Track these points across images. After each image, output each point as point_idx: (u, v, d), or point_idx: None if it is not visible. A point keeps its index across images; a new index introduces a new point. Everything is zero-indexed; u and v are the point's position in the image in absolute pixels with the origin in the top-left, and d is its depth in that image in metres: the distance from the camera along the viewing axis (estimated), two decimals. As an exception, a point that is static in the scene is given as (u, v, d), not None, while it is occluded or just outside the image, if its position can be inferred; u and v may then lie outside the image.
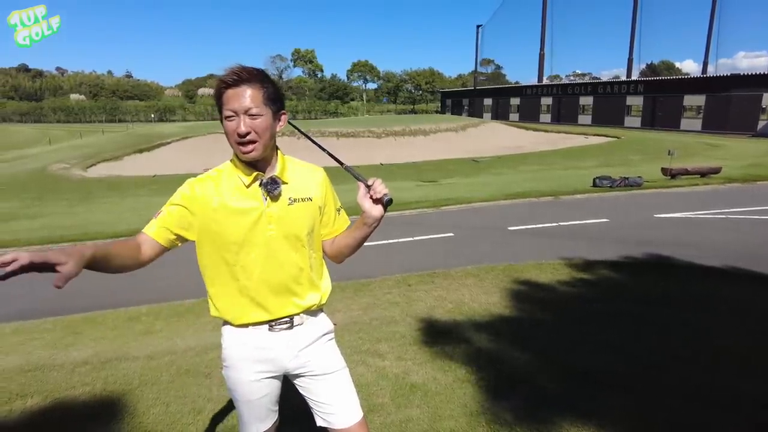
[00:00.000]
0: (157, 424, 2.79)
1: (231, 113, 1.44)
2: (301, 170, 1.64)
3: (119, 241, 1.48)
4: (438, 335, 4.02)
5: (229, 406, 2.93)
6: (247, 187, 1.53)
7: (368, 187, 1.54)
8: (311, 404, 1.68)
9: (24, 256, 1.12)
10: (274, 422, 1.73)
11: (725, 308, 4.66)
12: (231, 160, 1.58)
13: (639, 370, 3.29)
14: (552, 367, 3.34)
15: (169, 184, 20.74)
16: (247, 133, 1.45)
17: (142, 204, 15.32)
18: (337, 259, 1.74)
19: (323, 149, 1.73)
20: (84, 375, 3.52)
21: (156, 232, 1.52)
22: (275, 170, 1.56)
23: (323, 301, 1.70)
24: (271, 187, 1.52)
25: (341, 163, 1.69)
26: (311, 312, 1.67)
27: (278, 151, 1.59)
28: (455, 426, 2.68)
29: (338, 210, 1.73)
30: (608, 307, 4.69)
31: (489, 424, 2.68)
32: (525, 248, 7.83)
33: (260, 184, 1.53)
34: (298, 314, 1.63)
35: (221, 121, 1.51)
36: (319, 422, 1.67)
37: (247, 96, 1.44)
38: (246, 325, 1.60)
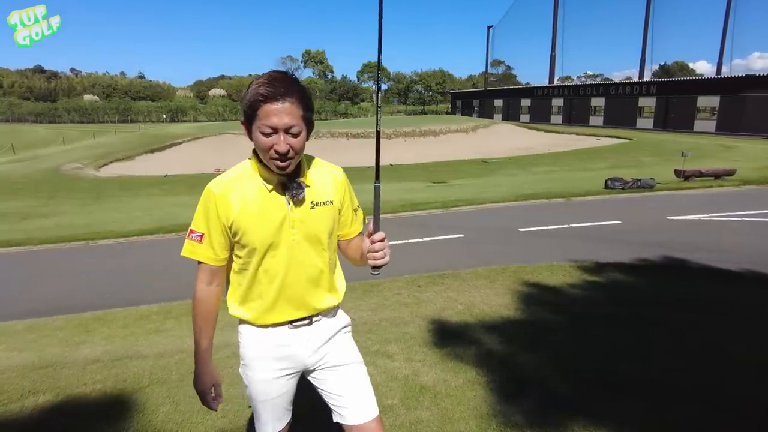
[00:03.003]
0: (166, 423, 2.80)
1: (270, 130, 1.39)
2: (321, 171, 1.61)
3: (207, 305, 1.61)
4: (448, 337, 3.99)
5: (238, 406, 2.93)
6: (270, 191, 1.50)
7: (370, 235, 1.50)
8: (326, 398, 1.68)
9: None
10: (288, 421, 1.73)
11: (740, 312, 4.58)
12: (251, 161, 1.54)
13: (651, 373, 3.24)
14: (563, 370, 3.30)
15: (180, 183, 20.95)
16: (287, 152, 1.41)
17: (154, 203, 15.44)
18: (347, 259, 1.74)
19: (378, 150, 1.54)
20: (95, 373, 3.55)
21: (215, 257, 1.55)
22: (298, 174, 1.53)
23: (340, 301, 1.70)
24: (296, 192, 1.50)
25: (377, 178, 1.52)
26: (329, 311, 1.68)
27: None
28: (465, 428, 2.66)
29: (355, 210, 1.70)
30: (620, 309, 4.64)
31: (500, 427, 2.65)
32: (536, 250, 7.76)
33: (284, 189, 1.51)
34: (316, 315, 1.63)
35: (248, 130, 1.45)
36: (335, 417, 1.66)
37: (288, 113, 1.39)
38: (266, 326, 1.60)
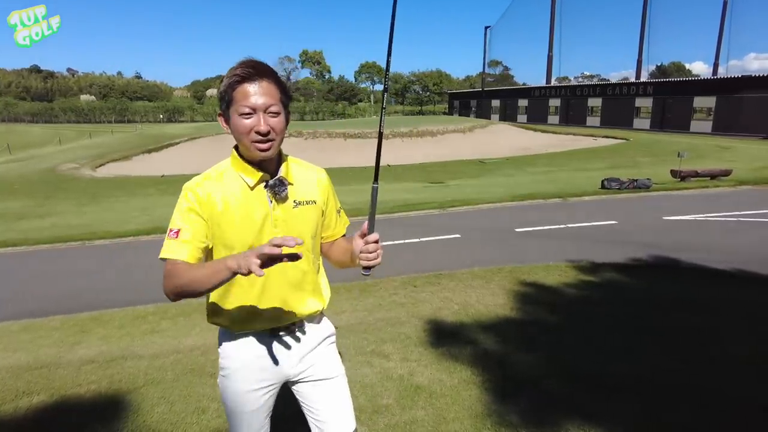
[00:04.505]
0: (161, 423, 2.80)
1: (249, 110, 1.37)
2: (303, 171, 1.57)
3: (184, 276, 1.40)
4: (443, 337, 4.00)
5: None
6: (252, 188, 1.45)
7: (364, 235, 1.43)
8: (305, 410, 1.64)
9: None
10: None
11: (736, 313, 4.60)
12: (231, 159, 1.50)
13: (647, 374, 3.25)
14: (559, 370, 3.31)
15: (178, 184, 20.68)
16: (268, 132, 1.38)
17: (151, 203, 15.40)
18: (330, 262, 1.70)
19: (379, 151, 1.46)
20: (90, 373, 3.54)
21: (191, 254, 1.42)
22: (280, 171, 1.49)
23: (325, 307, 1.66)
24: (279, 189, 1.45)
25: (376, 179, 1.46)
26: (313, 318, 1.64)
27: (281, 151, 1.52)
28: (460, 428, 2.66)
29: (338, 211, 1.67)
30: (616, 309, 4.65)
31: (494, 427, 2.66)
32: (532, 250, 7.77)
33: (266, 186, 1.46)
34: (300, 321, 1.59)
35: (225, 117, 1.43)
36: (313, 429, 1.63)
37: (266, 92, 1.38)
38: (246, 333, 1.55)
